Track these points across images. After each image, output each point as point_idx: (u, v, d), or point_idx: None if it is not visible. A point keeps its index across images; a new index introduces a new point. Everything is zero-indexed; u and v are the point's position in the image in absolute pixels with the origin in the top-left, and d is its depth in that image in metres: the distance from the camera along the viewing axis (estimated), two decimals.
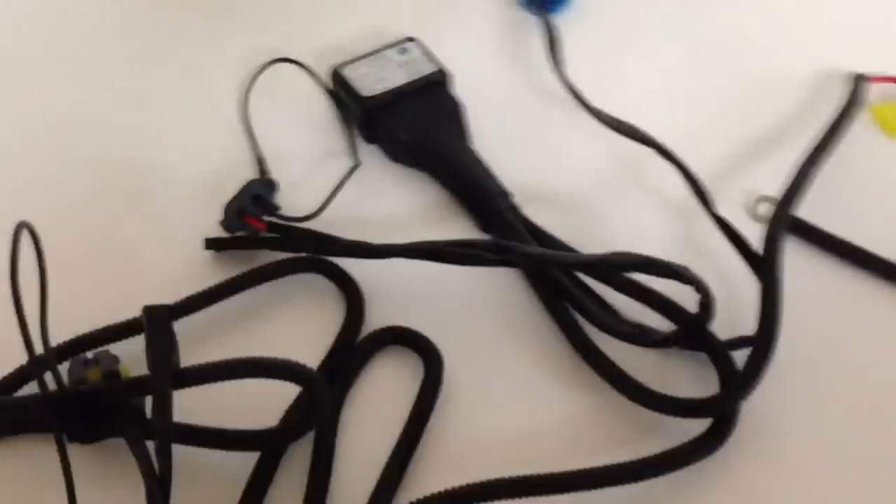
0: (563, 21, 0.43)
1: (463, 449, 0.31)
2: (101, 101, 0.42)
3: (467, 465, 0.31)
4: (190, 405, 0.30)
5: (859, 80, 0.39)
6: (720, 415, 0.30)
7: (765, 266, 0.32)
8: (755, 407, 0.31)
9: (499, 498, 0.29)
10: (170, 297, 0.33)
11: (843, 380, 0.32)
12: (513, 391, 0.33)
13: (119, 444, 0.30)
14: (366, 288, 0.35)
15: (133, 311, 0.32)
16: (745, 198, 0.37)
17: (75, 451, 0.30)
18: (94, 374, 0.31)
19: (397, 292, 0.35)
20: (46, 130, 0.41)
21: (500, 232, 0.36)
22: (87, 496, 0.28)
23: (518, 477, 0.29)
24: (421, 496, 0.29)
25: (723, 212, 0.35)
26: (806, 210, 0.35)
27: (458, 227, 0.37)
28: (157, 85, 0.43)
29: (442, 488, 0.29)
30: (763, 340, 0.31)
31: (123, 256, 0.37)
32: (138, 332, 0.32)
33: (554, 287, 0.34)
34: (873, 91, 0.40)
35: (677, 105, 0.41)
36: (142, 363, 0.30)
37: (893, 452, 0.31)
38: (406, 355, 0.34)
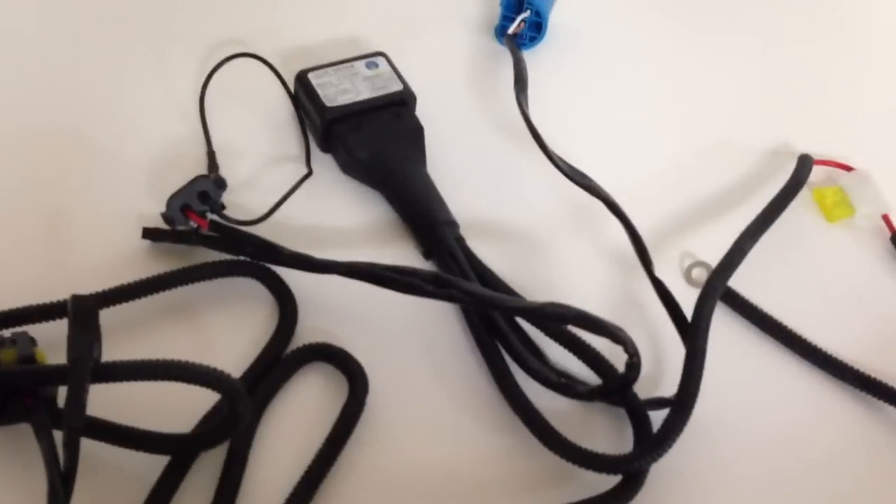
0: (534, 58, 0.43)
1: (376, 476, 0.31)
2: (58, 75, 0.41)
3: (378, 493, 0.31)
4: (104, 397, 0.29)
5: (804, 161, 0.41)
6: (630, 473, 0.31)
7: (691, 334, 0.33)
8: (665, 467, 0.32)
9: None
10: (100, 282, 0.32)
11: (751, 449, 0.33)
12: (434, 424, 0.33)
13: (27, 430, 0.29)
14: (301, 298, 0.35)
15: (60, 292, 0.31)
16: (683, 260, 0.38)
17: None
18: (8, 356, 0.30)
19: (332, 308, 0.35)
20: None
21: (441, 260, 0.36)
22: None
23: None
24: None
25: (660, 270, 0.36)
26: (739, 280, 0.36)
27: (401, 251, 0.37)
28: (117, 64, 0.42)
29: None
30: (680, 407, 0.31)
31: (57, 235, 0.36)
32: (61, 316, 0.31)
33: (488, 326, 0.34)
34: (818, 173, 0.41)
35: (632, 159, 0.41)
36: (59, 348, 0.29)
37: None
38: (332, 373, 0.33)
